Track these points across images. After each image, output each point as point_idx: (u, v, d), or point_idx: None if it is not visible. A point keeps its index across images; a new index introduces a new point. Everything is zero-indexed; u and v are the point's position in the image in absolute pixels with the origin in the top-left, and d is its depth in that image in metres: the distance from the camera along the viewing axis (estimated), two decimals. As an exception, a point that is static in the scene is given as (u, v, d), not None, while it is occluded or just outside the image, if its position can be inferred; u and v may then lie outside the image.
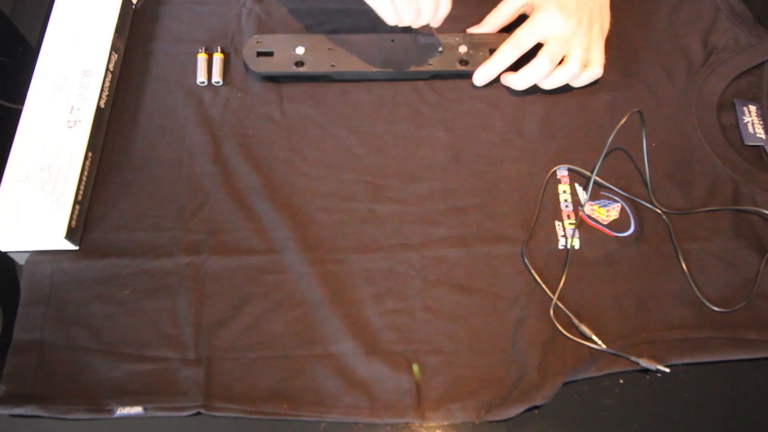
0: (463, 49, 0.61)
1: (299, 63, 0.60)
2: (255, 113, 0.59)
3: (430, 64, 0.60)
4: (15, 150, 0.54)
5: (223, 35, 0.64)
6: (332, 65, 0.60)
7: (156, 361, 0.49)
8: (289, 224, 0.53)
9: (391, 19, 0.54)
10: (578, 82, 0.60)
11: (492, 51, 0.61)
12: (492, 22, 0.62)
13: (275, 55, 0.60)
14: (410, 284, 0.52)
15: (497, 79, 0.61)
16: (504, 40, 0.60)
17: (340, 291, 0.51)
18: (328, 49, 0.60)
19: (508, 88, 0.61)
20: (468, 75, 0.61)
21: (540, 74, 0.58)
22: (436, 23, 0.57)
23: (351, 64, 0.60)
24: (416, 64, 0.60)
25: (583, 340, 0.50)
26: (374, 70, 0.60)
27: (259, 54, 0.60)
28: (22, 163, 0.54)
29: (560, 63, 0.58)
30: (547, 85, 0.59)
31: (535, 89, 0.60)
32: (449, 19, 0.58)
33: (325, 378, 0.48)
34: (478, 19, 0.63)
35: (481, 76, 0.60)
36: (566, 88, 0.60)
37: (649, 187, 0.56)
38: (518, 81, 0.59)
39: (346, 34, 0.61)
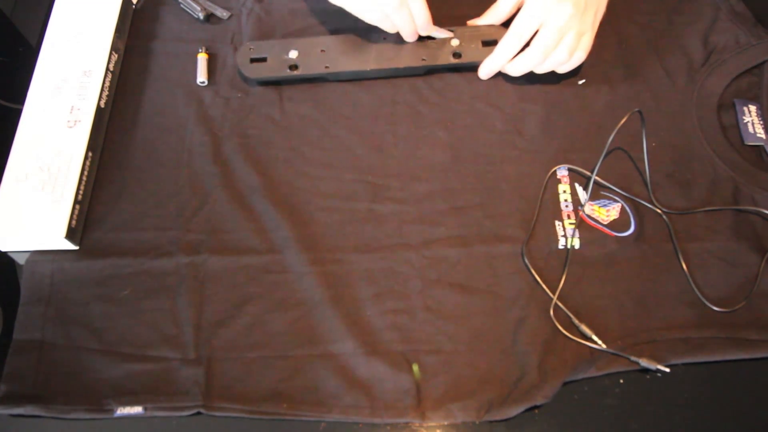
0: (455, 42, 0.61)
1: (293, 66, 0.60)
2: (255, 113, 0.59)
3: (423, 59, 0.60)
4: (15, 150, 0.54)
5: (223, 35, 0.64)
6: (326, 66, 0.60)
7: (156, 361, 0.49)
8: (289, 224, 0.53)
9: (388, 28, 0.58)
10: (562, 69, 0.59)
11: (484, 42, 0.61)
12: (492, 17, 0.62)
13: (268, 60, 0.60)
14: (410, 284, 0.52)
15: (496, 78, 0.61)
16: (494, 30, 0.61)
17: (340, 291, 0.51)
18: (321, 50, 0.60)
19: (505, 77, 0.61)
20: (461, 68, 0.61)
21: (533, 64, 0.58)
22: (423, 30, 0.59)
23: (344, 64, 0.60)
24: (409, 60, 0.60)
25: (583, 340, 0.50)
26: (368, 68, 0.60)
27: (253, 60, 0.60)
28: (22, 163, 0.54)
29: None
30: (539, 71, 0.59)
31: (533, 81, 0.60)
32: (450, 19, 0.58)
33: (325, 378, 0.48)
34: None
35: (486, 69, 0.60)
36: (566, 89, 0.60)
37: (649, 187, 0.56)
38: (513, 70, 0.59)
39: (338, 35, 0.62)
